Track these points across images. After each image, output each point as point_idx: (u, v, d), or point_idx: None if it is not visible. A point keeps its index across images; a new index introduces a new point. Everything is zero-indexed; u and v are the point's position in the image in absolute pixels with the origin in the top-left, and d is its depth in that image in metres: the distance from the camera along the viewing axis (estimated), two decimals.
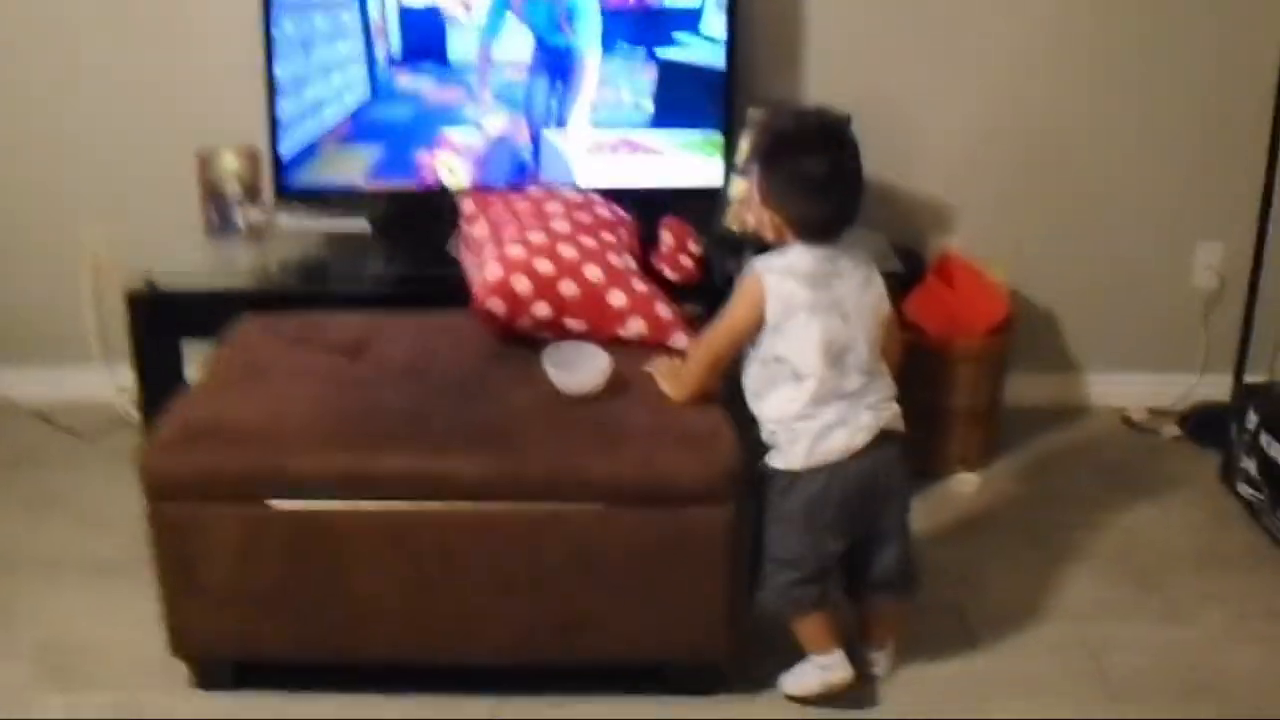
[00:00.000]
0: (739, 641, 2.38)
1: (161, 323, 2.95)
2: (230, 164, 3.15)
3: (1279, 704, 2.44)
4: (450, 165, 3.14)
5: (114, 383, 3.38)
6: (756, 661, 2.44)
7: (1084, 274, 3.47)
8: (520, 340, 2.56)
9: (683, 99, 3.12)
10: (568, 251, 2.57)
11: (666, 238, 2.94)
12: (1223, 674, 2.52)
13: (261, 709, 2.40)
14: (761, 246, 2.38)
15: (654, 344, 2.56)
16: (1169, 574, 2.84)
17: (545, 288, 2.52)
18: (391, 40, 3.07)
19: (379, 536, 2.28)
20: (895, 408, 2.31)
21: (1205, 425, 3.37)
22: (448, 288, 2.69)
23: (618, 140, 3.14)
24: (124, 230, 3.26)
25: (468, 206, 2.87)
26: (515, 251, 2.57)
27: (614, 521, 2.26)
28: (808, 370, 2.24)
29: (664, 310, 2.58)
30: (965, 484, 3.18)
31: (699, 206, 3.08)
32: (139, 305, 2.93)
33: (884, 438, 2.27)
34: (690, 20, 3.07)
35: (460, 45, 3.07)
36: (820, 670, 2.37)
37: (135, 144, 3.30)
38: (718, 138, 3.13)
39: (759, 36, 3.21)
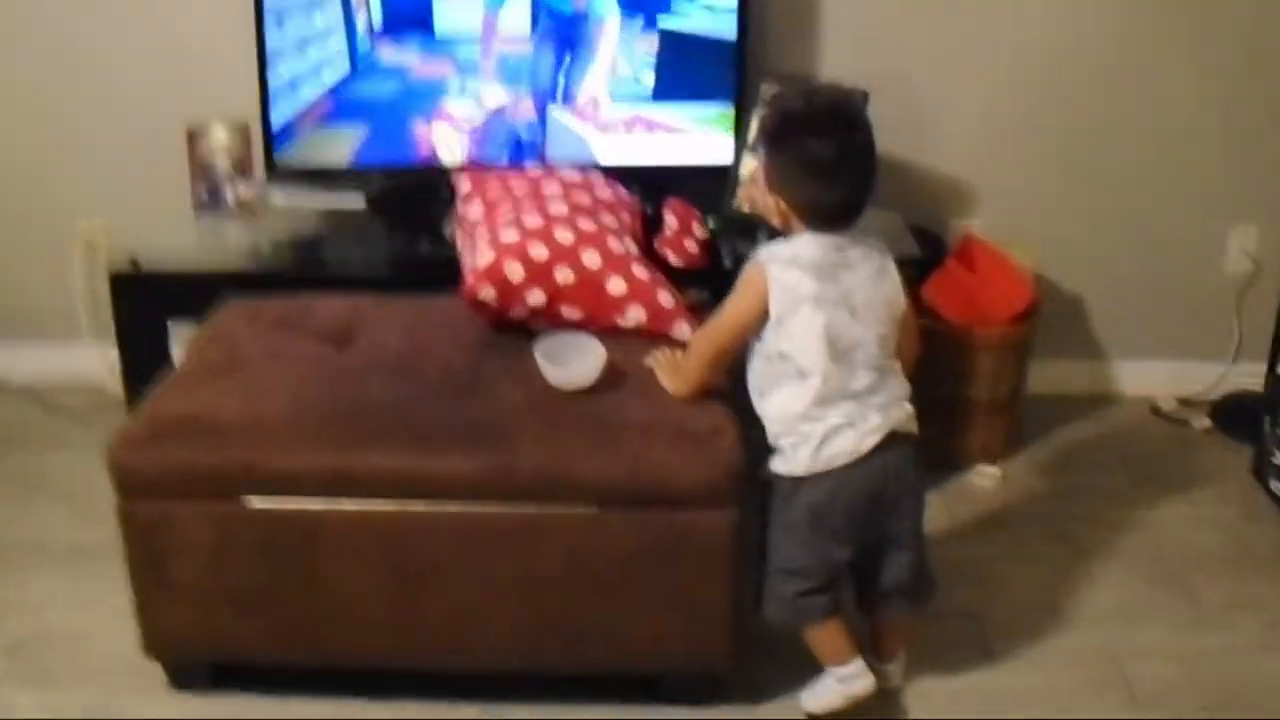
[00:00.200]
0: (741, 651, 2.27)
1: (146, 304, 2.85)
2: (220, 138, 3.04)
3: None
4: (448, 141, 3.00)
5: (107, 362, 3.29)
6: (758, 669, 2.35)
7: (1113, 257, 3.36)
8: (515, 329, 2.43)
9: (690, 72, 2.97)
10: (564, 235, 2.44)
11: (671, 220, 2.81)
12: (1254, 685, 2.41)
13: (238, 711, 2.32)
14: (775, 230, 2.25)
15: (655, 333, 2.43)
16: (1198, 576, 2.73)
17: (540, 274, 2.39)
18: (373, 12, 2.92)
19: (361, 538, 2.17)
20: (908, 408, 2.18)
21: (1237, 416, 3.26)
22: (444, 269, 2.58)
23: (624, 115, 3.00)
24: (115, 207, 3.19)
25: (463, 185, 2.75)
26: (509, 236, 2.44)
27: (608, 524, 2.15)
28: (812, 368, 2.11)
29: (666, 298, 2.45)
30: (985, 478, 3.06)
31: (707, 185, 2.95)
32: (123, 286, 2.83)
33: (894, 440, 2.14)
34: None
35: (450, 14, 2.93)
36: (840, 683, 2.24)
37: (126, 118, 3.20)
38: (728, 112, 2.99)
39: (771, 4, 3.07)
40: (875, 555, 2.23)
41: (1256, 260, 3.33)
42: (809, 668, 2.29)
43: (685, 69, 2.97)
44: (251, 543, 2.18)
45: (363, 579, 2.19)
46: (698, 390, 2.24)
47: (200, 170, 3.06)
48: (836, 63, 3.13)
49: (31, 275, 3.36)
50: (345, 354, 2.40)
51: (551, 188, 2.62)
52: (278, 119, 2.96)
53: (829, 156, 2.08)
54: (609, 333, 2.39)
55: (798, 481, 2.15)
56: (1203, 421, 3.31)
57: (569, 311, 2.42)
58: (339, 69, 2.96)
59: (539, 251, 2.40)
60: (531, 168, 2.82)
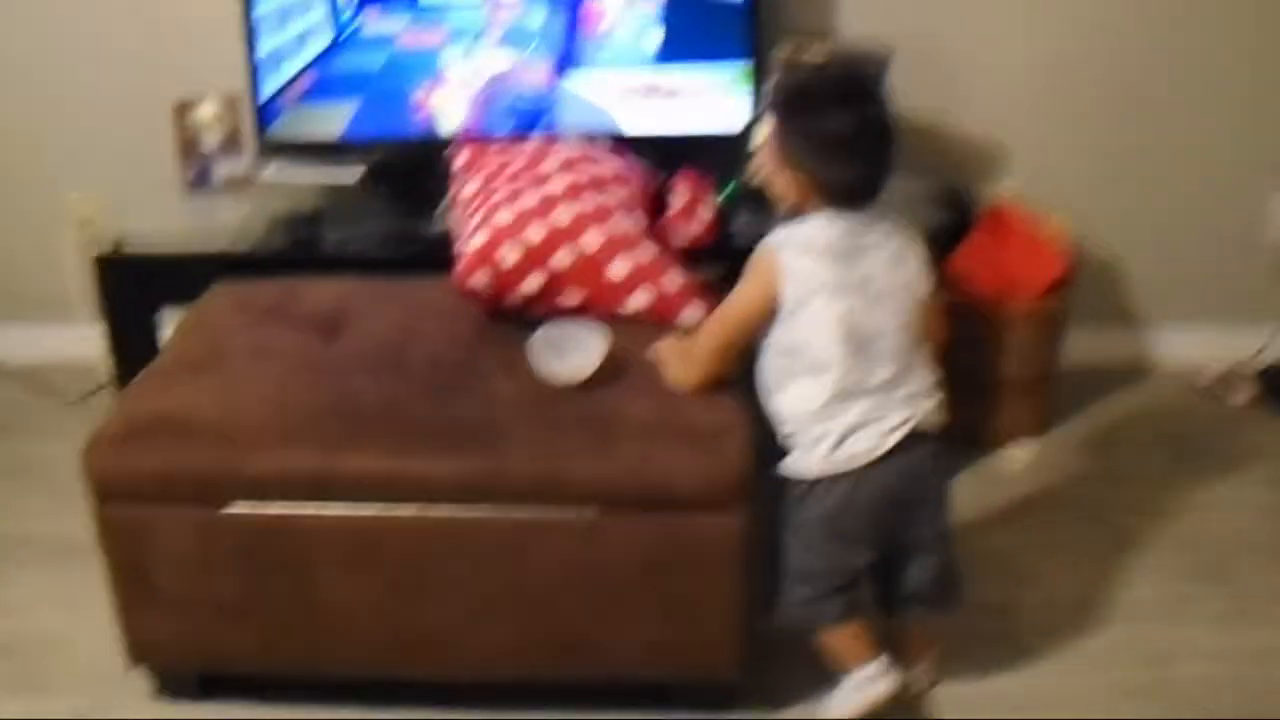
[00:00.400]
0: (750, 658, 2.14)
1: (132, 288, 2.74)
2: (208, 113, 2.91)
3: None
4: (446, 110, 2.85)
5: (101, 344, 3.19)
6: (778, 674, 2.23)
7: (1149, 224, 3.19)
8: (513, 315, 2.30)
9: (701, 31, 2.80)
10: (564, 215, 2.29)
11: (681, 193, 2.65)
12: None
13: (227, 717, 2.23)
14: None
15: (662, 319, 2.29)
16: (1239, 566, 2.58)
17: (536, 257, 2.25)
18: None
19: (348, 543, 2.06)
20: (934, 401, 2.04)
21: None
22: (443, 247, 2.44)
23: (634, 80, 2.84)
24: (106, 185, 3.04)
25: (458, 160, 2.60)
26: (503, 217, 2.29)
27: (608, 529, 2.02)
28: (828, 361, 1.96)
29: (674, 280, 2.30)
30: (1015, 460, 2.91)
31: (724, 154, 2.79)
32: (107, 270, 2.72)
33: (916, 438, 2.00)
34: None
35: None
36: (860, 687, 2.10)
37: (115, 95, 3.10)
38: (743, 74, 2.81)
39: None
40: (896, 559, 2.10)
41: None
42: (831, 672, 2.16)
43: (696, 28, 2.80)
44: (234, 550, 2.07)
45: (349, 587, 2.07)
46: (705, 382, 2.10)
47: (189, 146, 2.93)
48: (858, 19, 2.96)
49: (23, 255, 3.27)
50: (333, 346, 2.27)
51: (551, 162, 2.46)
52: (267, 92, 2.83)
53: (846, 131, 1.95)
54: (612, 319, 2.26)
55: (811, 484, 2.01)
56: (1246, 392, 3.14)
57: (569, 296, 2.28)
58: (327, 38, 2.82)
59: (536, 233, 2.26)
60: (532, 139, 2.67)
